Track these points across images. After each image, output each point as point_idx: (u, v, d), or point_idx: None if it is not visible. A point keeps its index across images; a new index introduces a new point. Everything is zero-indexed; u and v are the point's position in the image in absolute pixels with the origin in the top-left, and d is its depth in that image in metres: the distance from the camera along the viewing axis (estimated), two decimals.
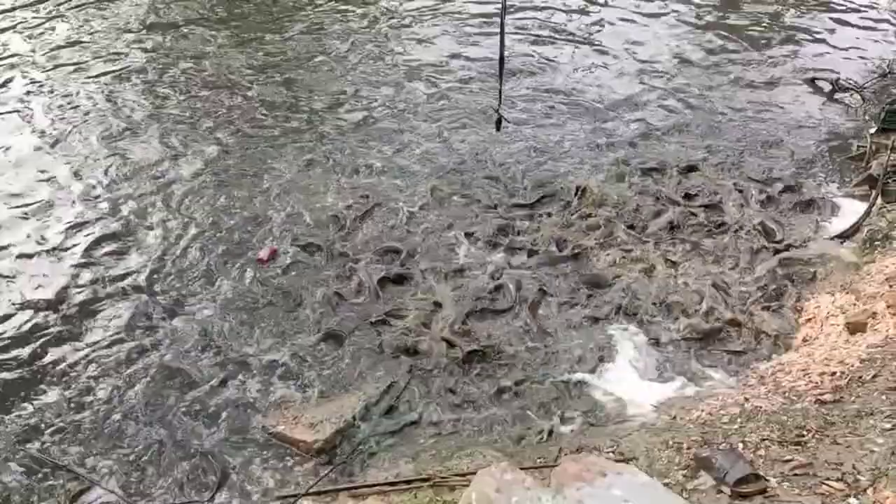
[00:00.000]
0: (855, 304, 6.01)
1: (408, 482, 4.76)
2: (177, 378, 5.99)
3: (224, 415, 5.71)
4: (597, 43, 11.27)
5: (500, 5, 6.55)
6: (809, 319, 6.25)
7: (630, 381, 6.01)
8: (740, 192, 7.95)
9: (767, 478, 4.24)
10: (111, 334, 6.35)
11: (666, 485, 4.42)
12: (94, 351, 6.19)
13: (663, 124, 9.35)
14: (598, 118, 9.43)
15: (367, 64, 10.63)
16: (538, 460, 4.89)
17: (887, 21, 11.71)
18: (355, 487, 4.88)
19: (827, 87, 9.96)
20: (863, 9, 12.09)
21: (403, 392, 5.83)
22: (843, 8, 12.11)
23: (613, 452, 4.85)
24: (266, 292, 6.79)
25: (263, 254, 7.16)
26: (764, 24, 11.73)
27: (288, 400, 5.80)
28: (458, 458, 5.07)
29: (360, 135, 9.08)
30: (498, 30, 6.54)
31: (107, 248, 7.27)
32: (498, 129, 7.49)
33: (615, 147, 8.89)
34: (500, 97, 7.46)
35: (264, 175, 8.33)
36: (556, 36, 11.50)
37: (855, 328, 5.68)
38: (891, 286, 5.86)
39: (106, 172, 8.31)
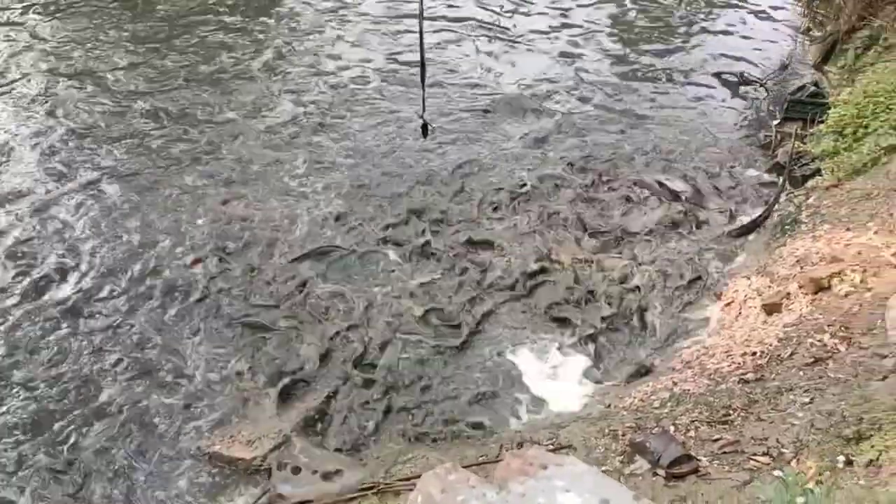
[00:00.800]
0: (770, 287, 6.30)
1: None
2: (99, 401, 5.80)
3: (156, 437, 5.56)
4: (509, 35, 11.50)
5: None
6: (729, 303, 6.53)
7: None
8: (660, 185, 8.25)
9: (699, 457, 4.43)
10: (21, 359, 6.10)
11: (605, 471, 4.58)
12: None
13: (574, 121, 9.55)
14: (518, 115, 9.60)
15: (278, 71, 10.48)
16: (480, 458, 4.95)
17: (783, 14, 12.28)
18: None
19: (733, 81, 10.41)
20: (760, 4, 12.63)
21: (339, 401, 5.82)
22: (742, 4, 12.62)
23: (553, 444, 4.96)
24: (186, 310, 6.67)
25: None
26: (670, 22, 12.13)
27: (223, 417, 5.69)
28: (402, 465, 5.08)
29: (272, 145, 8.93)
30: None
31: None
32: (424, 135, 7.52)
33: (540, 145, 9.06)
34: (424, 104, 7.48)
35: (168, 190, 8.13)
36: (470, 27, 11.68)
37: (771, 309, 5.97)
38: (801, 268, 6.18)
39: None
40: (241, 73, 10.31)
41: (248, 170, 8.44)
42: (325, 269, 7.12)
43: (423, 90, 7.41)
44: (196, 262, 7.13)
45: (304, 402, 5.76)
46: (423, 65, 7.01)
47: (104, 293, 6.76)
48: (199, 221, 7.61)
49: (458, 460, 4.95)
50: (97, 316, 6.53)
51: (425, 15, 6.34)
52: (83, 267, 7.01)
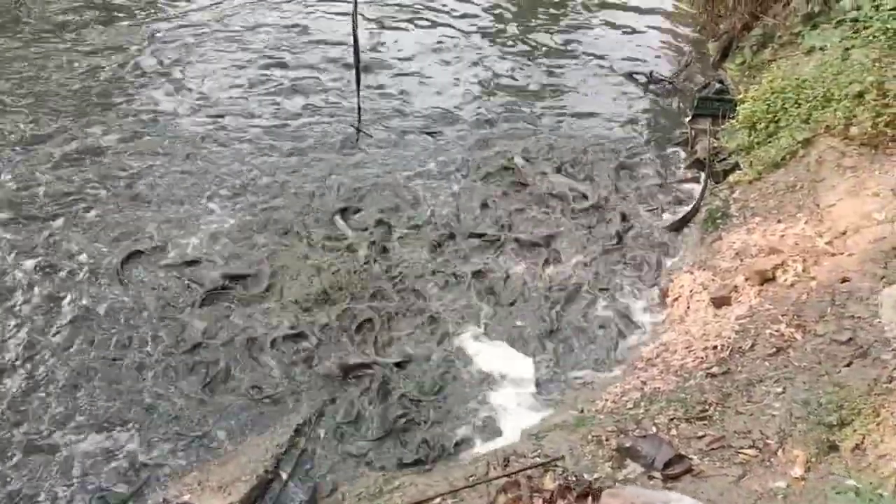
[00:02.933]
0: (714, 280, 6.59)
1: None
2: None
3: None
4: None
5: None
6: (676, 299, 6.77)
7: None
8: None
9: (689, 456, 4.57)
10: None
11: (596, 479, 4.64)
12: None
13: (484, 128, 9.55)
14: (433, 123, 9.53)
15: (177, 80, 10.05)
16: (470, 479, 4.88)
17: (679, 13, 12.85)
18: None
19: (642, 80, 10.80)
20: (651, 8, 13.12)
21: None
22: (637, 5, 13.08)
23: (539, 456, 4.96)
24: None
25: None
26: (569, 24, 12.43)
27: (188, 462, 5.34)
28: (389, 494, 4.94)
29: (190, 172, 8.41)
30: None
31: None
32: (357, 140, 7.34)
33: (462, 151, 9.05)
34: (359, 112, 7.32)
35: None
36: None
37: (720, 302, 6.24)
38: (742, 260, 6.50)
39: None
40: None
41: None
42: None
43: (358, 95, 7.18)
44: None
45: (272, 437, 5.50)
46: (357, 75, 6.81)
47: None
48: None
49: (449, 483, 4.90)
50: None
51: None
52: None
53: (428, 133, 8.95)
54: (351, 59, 7.59)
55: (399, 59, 10.79)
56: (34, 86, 9.59)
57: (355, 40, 6.19)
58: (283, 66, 10.36)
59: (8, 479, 5.15)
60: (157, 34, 11.09)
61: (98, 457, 5.36)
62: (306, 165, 8.41)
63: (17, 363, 6.00)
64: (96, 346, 6.19)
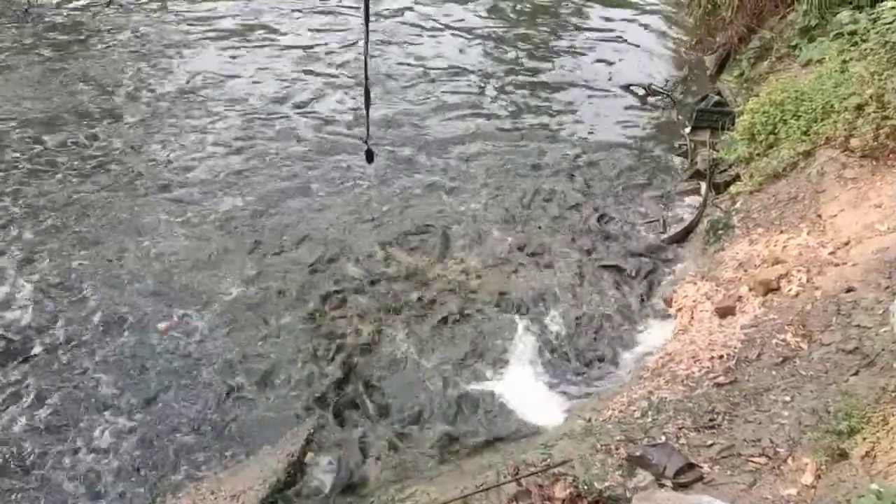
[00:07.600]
0: (717, 290, 6.66)
1: None
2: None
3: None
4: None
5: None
6: (680, 309, 6.83)
7: None
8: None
9: (700, 465, 4.61)
10: None
11: (607, 487, 4.68)
12: None
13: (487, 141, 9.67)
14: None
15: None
16: (480, 486, 4.91)
17: (675, 26, 12.99)
18: None
19: (640, 92, 10.91)
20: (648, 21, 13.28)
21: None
22: (632, 19, 13.23)
23: (549, 465, 4.99)
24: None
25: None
26: (566, 38, 12.55)
27: (200, 471, 5.36)
28: (401, 503, 4.96)
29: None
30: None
31: None
32: (369, 161, 7.38)
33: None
34: (368, 127, 7.33)
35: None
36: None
37: (724, 312, 6.29)
38: (745, 271, 6.57)
39: None
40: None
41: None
42: None
43: (367, 113, 7.23)
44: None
45: (282, 447, 5.52)
46: (366, 91, 6.82)
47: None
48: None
49: (460, 490, 4.93)
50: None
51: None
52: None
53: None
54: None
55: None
56: None
57: (366, 49, 6.22)
58: None
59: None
60: None
61: None
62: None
63: None
64: None
